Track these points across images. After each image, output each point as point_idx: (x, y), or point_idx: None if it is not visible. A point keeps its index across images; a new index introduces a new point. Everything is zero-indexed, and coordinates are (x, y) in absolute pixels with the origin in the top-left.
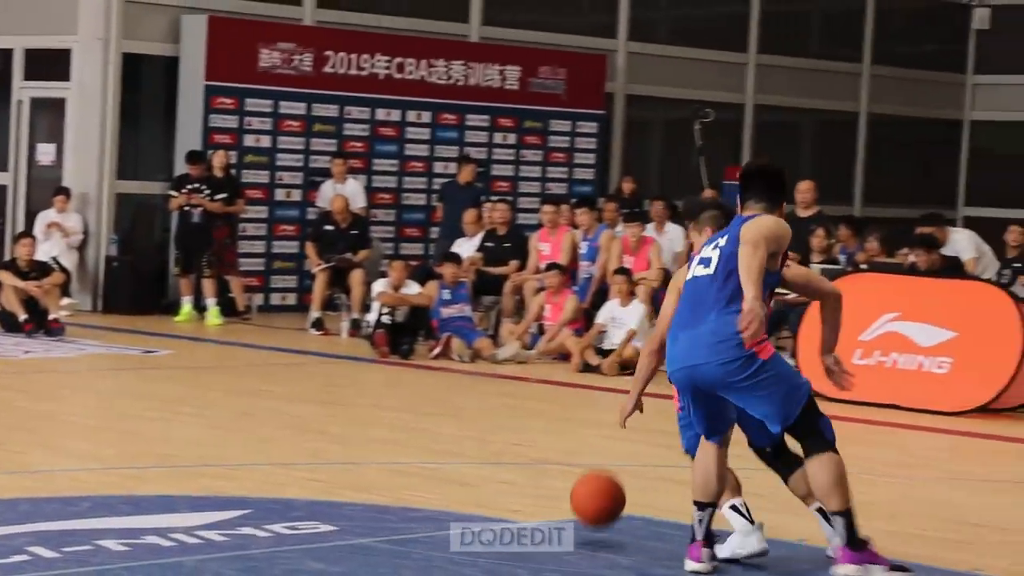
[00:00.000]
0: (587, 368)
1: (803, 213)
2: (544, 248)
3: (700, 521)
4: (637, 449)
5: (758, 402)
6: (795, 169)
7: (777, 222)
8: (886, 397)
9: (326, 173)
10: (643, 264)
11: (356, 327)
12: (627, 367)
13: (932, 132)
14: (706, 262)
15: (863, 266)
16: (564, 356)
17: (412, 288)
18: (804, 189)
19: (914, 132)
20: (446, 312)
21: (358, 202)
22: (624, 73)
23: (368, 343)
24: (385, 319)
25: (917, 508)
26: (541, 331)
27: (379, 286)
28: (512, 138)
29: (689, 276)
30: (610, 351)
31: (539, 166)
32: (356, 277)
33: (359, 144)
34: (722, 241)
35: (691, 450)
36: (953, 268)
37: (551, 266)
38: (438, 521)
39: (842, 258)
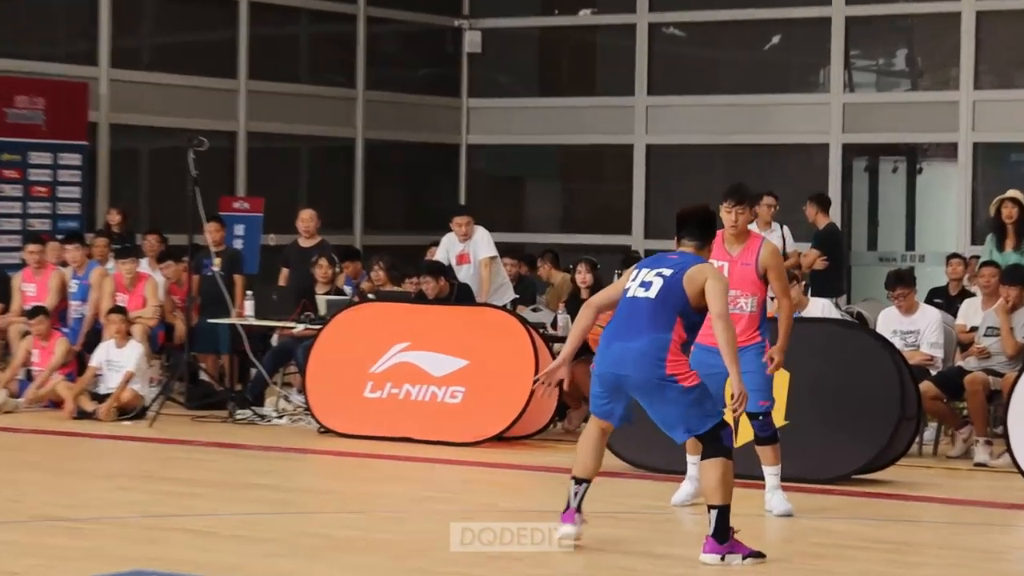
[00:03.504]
0: (83, 415)
1: (305, 243)
2: (29, 289)
3: (575, 494)
4: (141, 499)
5: (663, 413)
6: (294, 197)
7: (720, 280)
8: (400, 430)
9: None
10: (139, 302)
11: None
12: (125, 411)
13: (430, 156)
14: (646, 285)
15: (370, 295)
16: (56, 403)
17: None
18: (306, 218)
19: (413, 157)
20: None
21: None
22: (108, 101)
23: None
24: None
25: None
26: (30, 377)
27: None
28: None
29: (629, 294)
30: (107, 395)
31: (19, 201)
32: None
33: None
34: (666, 271)
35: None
36: (464, 295)
37: (36, 310)
38: None
39: (348, 288)
